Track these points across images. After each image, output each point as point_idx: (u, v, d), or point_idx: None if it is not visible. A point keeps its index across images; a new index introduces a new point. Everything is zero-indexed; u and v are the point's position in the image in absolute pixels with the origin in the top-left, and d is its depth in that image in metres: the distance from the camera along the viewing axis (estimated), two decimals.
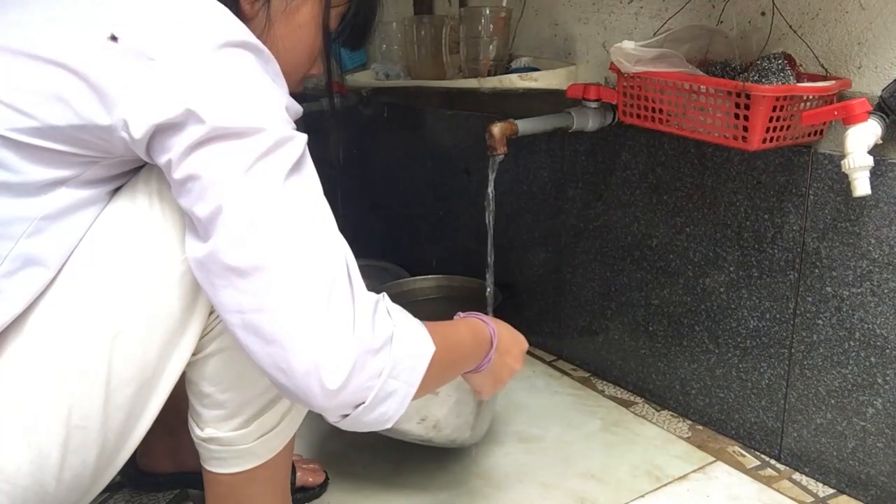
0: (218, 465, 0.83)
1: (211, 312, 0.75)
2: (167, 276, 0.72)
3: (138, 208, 0.72)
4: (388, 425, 0.72)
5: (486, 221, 1.22)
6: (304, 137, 0.69)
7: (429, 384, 0.75)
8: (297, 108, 0.72)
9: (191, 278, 0.72)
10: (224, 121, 0.64)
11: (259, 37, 0.71)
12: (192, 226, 0.68)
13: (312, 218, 0.68)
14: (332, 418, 0.70)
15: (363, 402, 0.68)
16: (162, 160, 0.66)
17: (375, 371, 0.68)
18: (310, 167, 0.70)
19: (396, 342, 0.70)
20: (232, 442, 0.81)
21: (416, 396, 0.73)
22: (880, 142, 0.96)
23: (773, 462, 1.22)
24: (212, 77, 0.65)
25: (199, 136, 0.64)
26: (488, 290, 1.27)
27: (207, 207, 0.65)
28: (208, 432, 0.81)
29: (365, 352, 0.67)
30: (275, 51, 0.72)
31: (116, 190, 0.73)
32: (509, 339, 0.95)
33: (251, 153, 0.65)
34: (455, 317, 0.94)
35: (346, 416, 0.69)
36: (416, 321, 0.75)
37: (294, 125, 0.70)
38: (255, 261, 0.65)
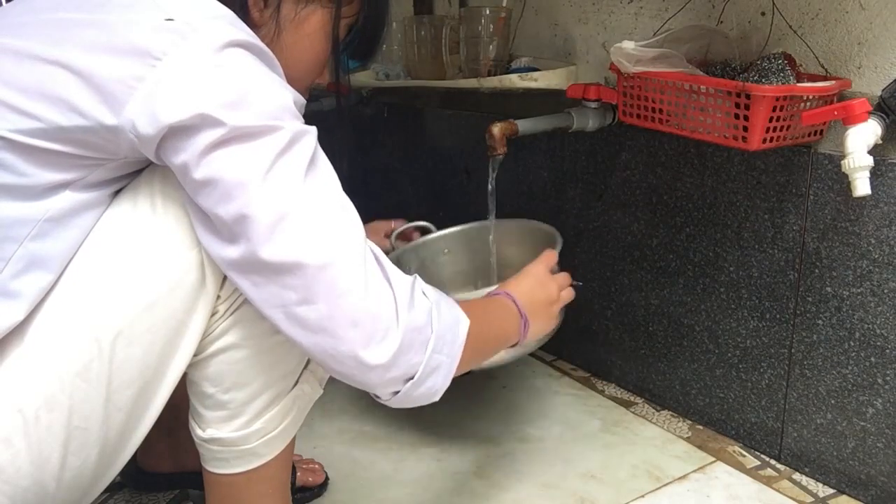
0: (219, 465, 0.83)
1: (214, 314, 0.75)
2: (168, 277, 0.72)
3: (140, 210, 0.72)
4: (436, 398, 0.76)
5: (490, 216, 1.25)
6: (314, 130, 0.71)
7: (469, 357, 0.79)
8: (302, 101, 0.73)
9: (193, 279, 0.73)
10: (241, 121, 0.65)
11: (268, 45, 0.72)
12: (210, 226, 0.69)
13: (336, 207, 0.70)
14: (384, 395, 0.74)
15: (412, 378, 0.72)
16: (176, 161, 0.66)
17: (421, 346, 0.72)
18: (323, 158, 0.72)
19: (436, 318, 0.74)
20: (233, 443, 0.81)
21: (458, 371, 0.77)
22: (880, 142, 0.96)
23: (773, 462, 1.22)
24: (220, 77, 0.66)
25: (217, 138, 0.65)
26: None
27: (233, 209, 0.66)
28: (210, 433, 0.81)
29: (410, 329, 0.71)
30: (283, 59, 0.73)
31: (118, 192, 0.74)
32: (531, 294, 0.97)
33: (271, 151, 0.66)
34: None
35: (397, 392, 0.73)
36: (449, 298, 0.79)
37: (302, 119, 0.71)
38: (292, 256, 0.66)
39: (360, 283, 0.68)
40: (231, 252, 0.68)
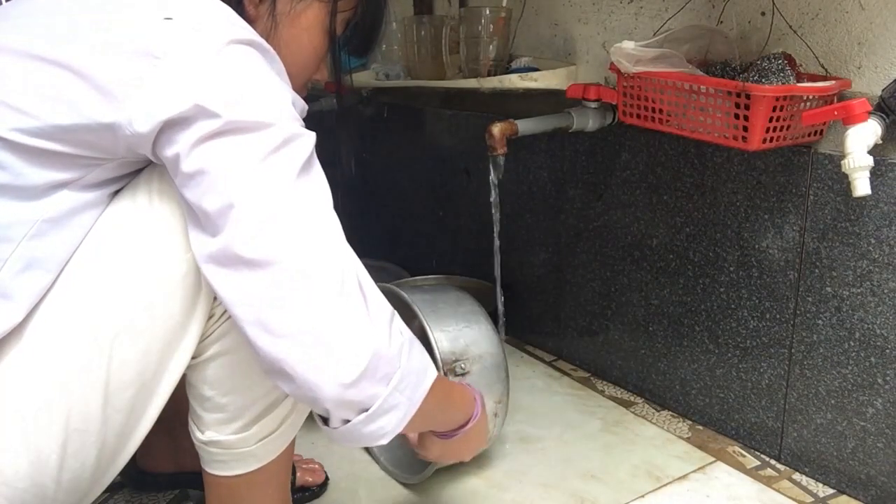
0: (218, 467, 0.83)
1: (211, 316, 0.75)
2: (167, 278, 0.72)
3: (139, 211, 0.72)
4: (384, 441, 0.73)
5: (493, 217, 1.25)
6: (312, 136, 0.69)
7: (425, 412, 0.75)
8: (303, 105, 0.72)
9: (191, 281, 0.72)
10: (236, 114, 0.64)
11: (265, 40, 0.71)
12: (197, 221, 0.68)
13: (323, 216, 0.69)
14: (334, 421, 0.71)
15: (367, 410, 0.69)
16: (168, 153, 0.66)
17: (385, 377, 0.69)
18: (318, 167, 0.70)
19: (406, 356, 0.71)
20: (233, 445, 0.81)
21: (410, 424, 0.73)
22: (880, 142, 0.96)
23: (773, 462, 1.22)
24: (219, 72, 0.65)
25: (211, 130, 0.64)
26: (498, 290, 1.29)
27: (218, 201, 0.65)
28: (209, 435, 0.81)
29: (377, 356, 0.68)
30: (279, 54, 0.72)
31: (117, 192, 0.73)
32: (479, 432, 0.95)
33: (263, 147, 0.65)
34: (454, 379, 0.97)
35: (347, 422, 0.70)
36: (422, 347, 0.77)
37: (302, 122, 0.70)
38: (269, 254, 0.65)
39: (332, 297, 0.66)
40: (211, 245, 0.66)
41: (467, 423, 0.90)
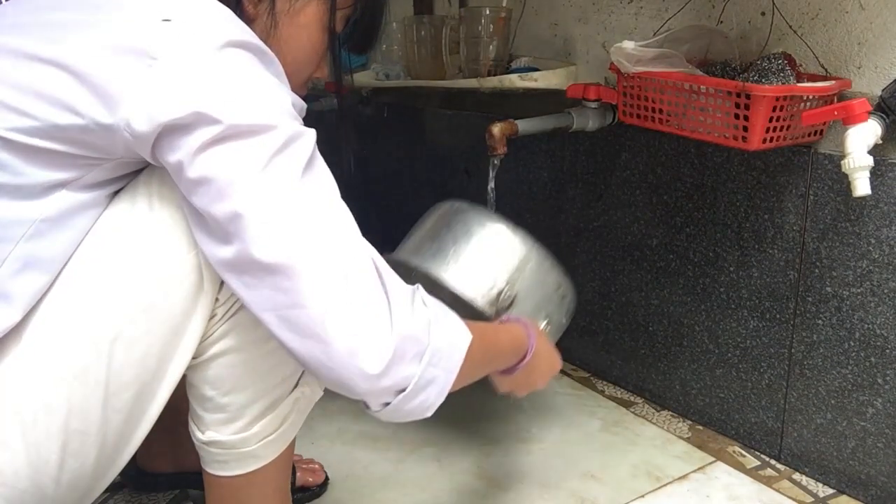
0: (219, 467, 0.83)
1: (212, 316, 0.75)
2: (167, 279, 0.72)
3: (138, 212, 0.72)
4: (429, 413, 0.73)
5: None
6: (313, 133, 0.69)
7: (467, 373, 0.76)
8: (302, 105, 0.72)
9: (192, 281, 0.72)
10: (237, 119, 0.64)
11: (263, 39, 0.71)
12: (205, 226, 0.68)
13: (333, 211, 0.69)
14: (374, 406, 0.71)
15: (404, 390, 0.70)
16: (171, 159, 0.66)
17: (416, 357, 0.70)
18: (321, 162, 0.70)
19: (435, 329, 0.71)
20: (233, 445, 0.81)
21: (455, 386, 0.74)
22: (880, 142, 0.96)
23: (773, 462, 1.22)
24: (217, 76, 0.65)
25: (213, 136, 0.64)
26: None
27: (226, 207, 0.65)
28: (209, 435, 0.81)
29: (404, 338, 0.68)
30: (279, 52, 0.72)
31: (116, 192, 0.73)
32: (543, 357, 0.96)
33: (266, 151, 0.65)
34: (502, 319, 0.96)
35: (388, 404, 0.71)
36: (452, 312, 0.77)
37: (301, 122, 0.70)
38: (284, 257, 0.65)
39: (353, 289, 0.67)
40: (225, 252, 0.67)
41: (525, 357, 0.91)
